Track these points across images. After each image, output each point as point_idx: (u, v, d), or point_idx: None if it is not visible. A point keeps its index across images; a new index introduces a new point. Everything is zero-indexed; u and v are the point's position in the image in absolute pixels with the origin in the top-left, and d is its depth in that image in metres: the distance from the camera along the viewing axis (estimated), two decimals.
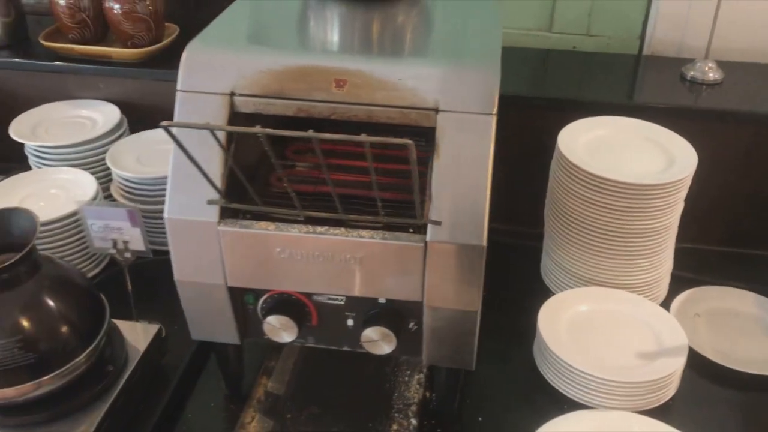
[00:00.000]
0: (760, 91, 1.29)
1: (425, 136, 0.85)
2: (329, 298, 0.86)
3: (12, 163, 1.38)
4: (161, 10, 1.31)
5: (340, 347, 0.90)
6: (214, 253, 0.82)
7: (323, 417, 0.96)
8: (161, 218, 1.17)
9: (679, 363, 0.97)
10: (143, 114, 1.36)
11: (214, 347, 0.97)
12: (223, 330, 0.89)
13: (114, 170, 1.19)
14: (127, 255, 1.01)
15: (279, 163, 0.70)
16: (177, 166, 0.81)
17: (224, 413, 0.99)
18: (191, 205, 0.81)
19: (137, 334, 1.00)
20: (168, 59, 1.34)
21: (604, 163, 1.05)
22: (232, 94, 0.80)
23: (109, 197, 1.21)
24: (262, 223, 0.80)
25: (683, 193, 1.07)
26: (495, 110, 0.77)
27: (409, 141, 0.62)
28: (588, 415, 0.94)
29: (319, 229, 0.80)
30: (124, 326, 1.00)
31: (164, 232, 1.17)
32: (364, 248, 0.79)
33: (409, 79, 0.78)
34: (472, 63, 0.79)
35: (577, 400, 0.97)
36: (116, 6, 1.27)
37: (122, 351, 0.96)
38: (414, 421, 0.96)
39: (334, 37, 0.90)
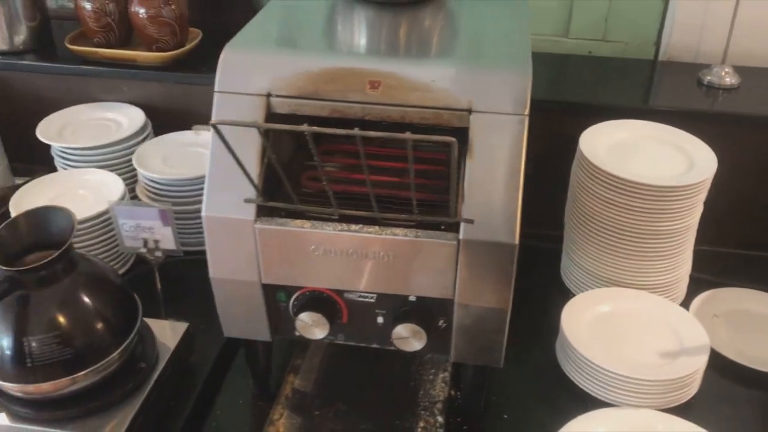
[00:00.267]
0: None
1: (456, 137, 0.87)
2: (360, 296, 0.87)
3: (36, 164, 1.40)
4: (186, 15, 1.33)
5: (370, 344, 0.91)
6: (249, 251, 0.84)
7: (350, 414, 0.98)
8: (187, 218, 1.20)
9: (701, 362, 0.99)
10: (166, 117, 1.38)
11: (244, 345, 0.99)
12: (256, 327, 0.91)
13: (140, 171, 1.20)
14: (158, 254, 1.03)
15: (320, 162, 0.72)
16: (215, 166, 0.83)
17: (253, 410, 1.00)
18: (228, 204, 0.82)
19: (166, 332, 1.02)
20: (191, 63, 1.37)
21: (625, 165, 1.07)
22: (269, 95, 0.82)
23: (134, 198, 1.23)
24: (298, 221, 0.82)
25: (703, 196, 1.09)
26: (527, 111, 0.79)
27: (452, 138, 0.63)
28: (612, 413, 0.95)
29: (353, 227, 0.81)
30: (154, 324, 1.01)
31: (190, 232, 1.20)
32: (397, 246, 0.80)
33: (443, 81, 0.80)
34: (505, 64, 0.81)
35: (600, 398, 0.99)
36: (142, 10, 1.29)
37: (153, 349, 0.97)
38: (440, 419, 0.97)
39: (366, 40, 0.92)
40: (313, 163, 0.95)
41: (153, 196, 1.20)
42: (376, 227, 0.81)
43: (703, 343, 1.01)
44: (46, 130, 1.29)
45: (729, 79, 1.30)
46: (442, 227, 0.82)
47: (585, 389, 1.00)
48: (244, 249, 0.84)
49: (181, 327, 1.03)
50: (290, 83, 0.82)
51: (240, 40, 0.88)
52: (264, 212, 0.83)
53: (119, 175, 1.23)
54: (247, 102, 0.83)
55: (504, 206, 0.78)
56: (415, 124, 0.81)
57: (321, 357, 1.07)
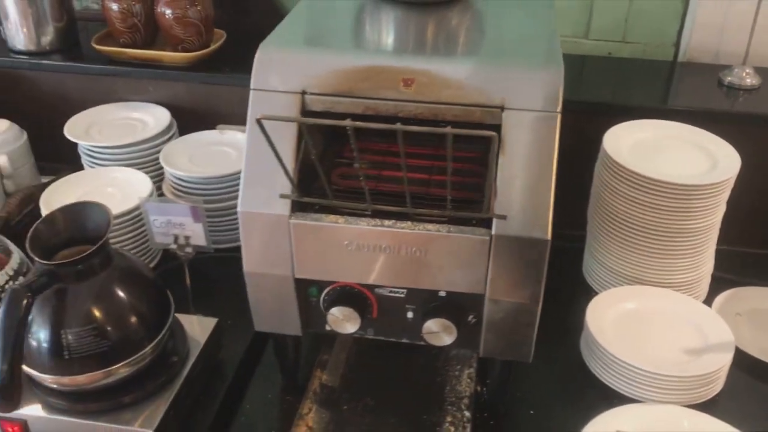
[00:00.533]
0: None
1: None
2: (391, 291, 0.88)
3: (62, 163, 1.42)
4: (211, 16, 1.35)
5: (399, 339, 0.92)
6: (283, 246, 0.85)
7: (378, 409, 0.99)
8: (213, 215, 1.21)
9: (726, 359, 0.99)
10: (191, 116, 1.40)
11: (273, 339, 1.00)
12: (287, 322, 0.92)
13: (167, 169, 1.22)
14: (188, 250, 1.04)
15: (358, 156, 0.73)
16: (250, 162, 0.84)
17: (281, 404, 1.01)
18: (264, 199, 0.84)
19: (196, 327, 1.03)
20: (215, 64, 1.38)
21: (649, 164, 1.08)
22: (304, 92, 0.84)
23: (161, 196, 1.25)
24: (332, 217, 0.83)
25: (726, 194, 1.10)
26: (559, 108, 0.80)
27: (492, 132, 0.64)
28: (638, 409, 0.96)
29: (386, 222, 0.82)
30: (183, 319, 1.03)
31: (216, 229, 1.22)
32: (430, 241, 0.82)
33: (475, 78, 0.81)
34: (537, 62, 0.82)
35: (625, 394, 0.99)
36: (168, 11, 1.31)
37: (184, 343, 0.99)
38: (467, 414, 0.98)
39: (397, 38, 0.93)
40: (343, 161, 0.97)
41: (179, 193, 1.22)
42: (409, 222, 0.82)
43: (728, 340, 1.02)
44: (74, 129, 1.31)
45: (750, 79, 1.31)
46: (474, 222, 0.83)
47: (610, 385, 1.01)
48: (279, 244, 0.85)
49: (211, 322, 1.04)
50: (324, 81, 0.83)
51: (274, 39, 0.89)
52: (298, 207, 0.84)
53: (145, 173, 1.24)
54: (283, 99, 0.84)
55: (536, 202, 0.80)
56: (447, 122, 0.82)
57: (347, 353, 1.08)
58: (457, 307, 0.87)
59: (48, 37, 1.42)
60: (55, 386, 0.90)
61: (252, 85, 0.85)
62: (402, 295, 0.88)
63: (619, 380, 1.00)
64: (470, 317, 0.88)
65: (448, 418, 0.97)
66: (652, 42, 1.46)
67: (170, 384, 0.94)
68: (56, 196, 1.17)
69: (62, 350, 0.85)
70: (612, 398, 1.00)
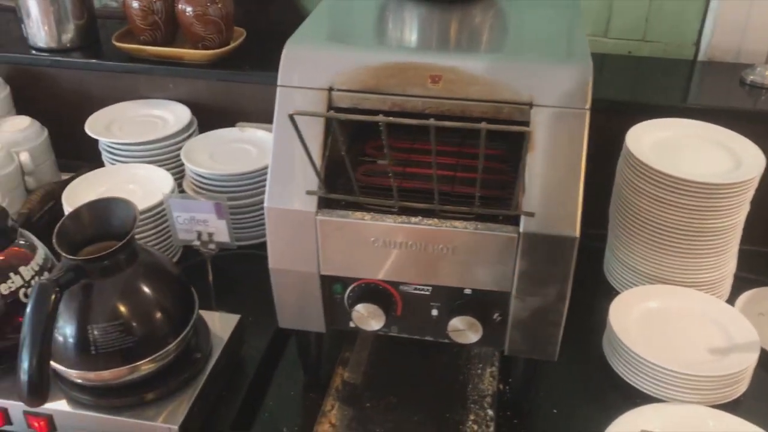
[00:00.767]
0: None
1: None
2: (416, 288, 0.88)
3: (81, 160, 1.42)
4: (231, 13, 1.35)
5: (423, 337, 0.92)
6: (309, 242, 0.85)
7: (401, 407, 0.99)
8: (234, 213, 1.21)
9: (752, 359, 0.99)
10: (211, 113, 1.40)
11: (296, 336, 1.00)
12: (311, 318, 0.92)
13: (189, 166, 1.22)
14: (211, 247, 1.05)
15: (390, 153, 0.73)
16: (277, 158, 0.84)
17: (304, 401, 1.01)
18: (290, 195, 0.84)
19: (218, 324, 1.03)
20: (235, 61, 1.38)
21: (672, 163, 1.07)
22: (331, 89, 0.83)
23: (182, 193, 1.25)
24: (358, 213, 0.83)
25: (750, 194, 1.09)
26: (588, 105, 0.79)
27: (528, 128, 0.64)
28: (663, 408, 0.95)
29: (413, 219, 0.82)
30: (206, 316, 1.03)
31: (237, 226, 1.22)
32: (457, 238, 0.81)
33: (503, 75, 0.81)
34: (566, 59, 0.82)
35: (649, 393, 0.99)
36: (189, 8, 1.31)
37: (207, 340, 0.99)
38: (490, 412, 0.98)
39: (423, 35, 0.93)
40: (366, 158, 0.97)
41: (200, 190, 1.22)
42: (436, 219, 0.82)
43: (753, 340, 1.01)
44: (94, 126, 1.31)
45: None
46: (500, 219, 0.82)
47: (633, 384, 1.01)
48: (305, 240, 0.85)
49: (233, 319, 1.04)
50: (352, 78, 0.83)
51: (300, 36, 0.89)
52: (324, 204, 0.84)
53: (165, 170, 1.24)
54: (309, 96, 0.84)
55: (565, 199, 0.79)
56: (475, 118, 0.81)
57: (369, 350, 1.08)
58: (483, 304, 0.87)
59: (69, 35, 1.42)
60: (79, 381, 0.90)
61: (279, 82, 0.85)
62: (427, 293, 0.88)
63: (642, 380, 0.99)
64: (495, 315, 0.88)
65: (471, 417, 0.97)
66: (673, 41, 1.45)
67: (194, 380, 0.94)
68: (78, 193, 1.17)
69: (89, 345, 0.85)
70: (635, 398, 0.99)
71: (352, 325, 0.92)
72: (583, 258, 1.24)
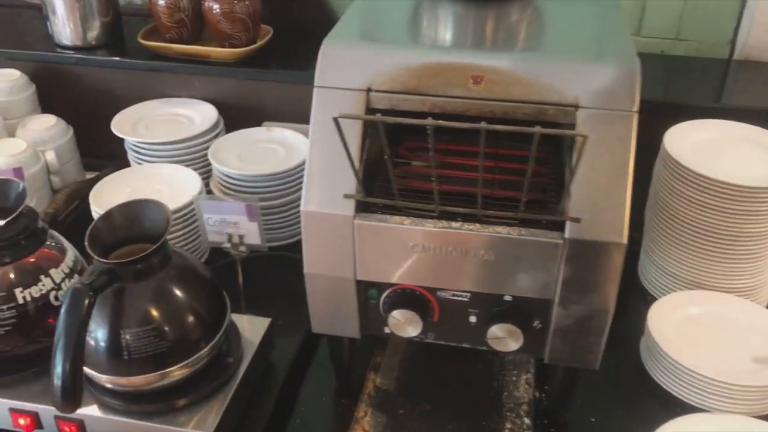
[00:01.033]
0: None
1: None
2: (454, 294, 0.86)
3: (106, 159, 1.41)
4: (258, 11, 1.33)
5: (460, 344, 0.90)
6: (346, 247, 0.83)
7: (436, 414, 0.97)
8: (262, 214, 1.19)
9: None
10: (236, 113, 1.38)
11: (329, 341, 0.98)
12: (345, 324, 0.90)
13: (216, 167, 1.20)
14: (242, 249, 1.03)
15: (435, 157, 0.71)
16: (314, 161, 0.82)
17: (336, 407, 0.99)
18: (327, 199, 0.82)
19: (248, 327, 1.01)
20: (262, 60, 1.36)
21: (712, 165, 1.05)
22: (369, 90, 0.81)
23: (209, 193, 1.23)
24: (397, 218, 0.81)
25: None
26: (636, 107, 0.77)
27: (584, 133, 0.62)
28: (705, 418, 0.93)
29: (454, 224, 0.80)
30: (236, 319, 1.01)
31: (264, 228, 1.20)
32: (500, 244, 0.79)
33: (548, 75, 0.78)
34: (612, 59, 0.79)
35: (690, 402, 0.96)
36: (216, 6, 1.29)
37: (238, 344, 0.97)
38: (527, 420, 0.95)
39: (461, 34, 0.90)
40: (402, 161, 0.95)
41: (228, 191, 1.20)
42: (478, 224, 0.80)
43: None
44: (120, 125, 1.30)
45: None
46: (544, 224, 0.80)
47: (673, 393, 0.98)
48: (341, 245, 0.83)
49: (263, 322, 1.02)
50: (391, 78, 0.81)
51: (336, 35, 0.87)
52: (361, 208, 0.82)
53: (192, 170, 1.23)
54: (347, 97, 0.82)
55: (612, 204, 0.77)
56: (518, 120, 0.79)
57: (401, 356, 1.06)
58: (523, 312, 0.85)
59: (94, 32, 1.41)
60: (110, 386, 0.89)
61: (315, 82, 0.83)
62: (465, 299, 0.86)
63: (683, 388, 0.97)
64: (536, 322, 0.86)
65: (508, 425, 0.95)
66: (707, 40, 1.42)
67: (225, 386, 0.92)
68: (104, 193, 1.16)
69: (121, 351, 0.84)
70: (675, 406, 0.97)
71: (387, 330, 0.90)
72: None
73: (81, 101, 1.45)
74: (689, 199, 1.06)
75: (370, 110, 0.82)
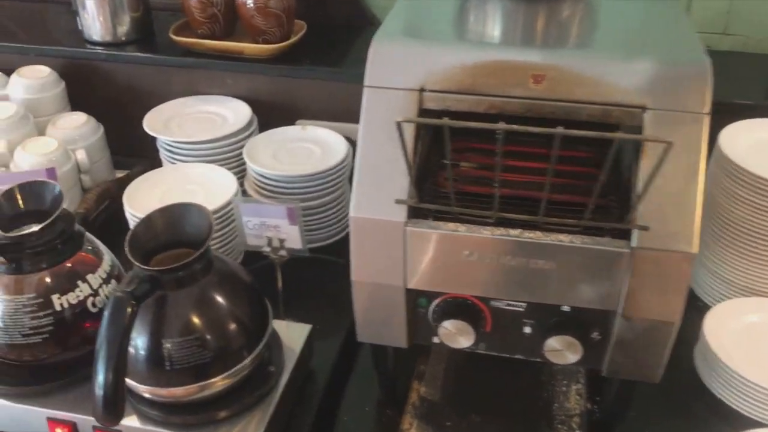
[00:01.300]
0: None
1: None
2: (508, 304, 0.82)
3: (135, 157, 1.38)
4: (293, 6, 1.29)
5: (513, 355, 0.86)
6: (396, 254, 0.79)
7: (485, 426, 0.93)
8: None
9: None
10: (269, 110, 1.34)
11: (372, 350, 0.95)
12: (393, 333, 0.87)
13: (251, 166, 1.17)
14: (282, 253, 0.99)
15: (500, 162, 0.67)
16: (364, 165, 0.78)
17: (380, 417, 0.96)
18: (378, 205, 0.78)
19: (288, 334, 0.98)
20: (296, 56, 1.33)
21: None
22: (422, 89, 0.77)
23: (243, 193, 1.20)
24: (451, 224, 0.77)
25: None
26: (708, 108, 0.73)
27: (670, 140, 0.58)
28: None
29: (513, 231, 0.76)
30: (276, 325, 0.98)
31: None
32: (561, 253, 0.75)
33: (613, 75, 0.74)
34: (682, 58, 0.75)
35: (751, 416, 0.92)
36: (250, 1, 1.26)
37: (280, 351, 0.94)
38: None
39: (519, 32, 0.86)
40: (452, 162, 0.91)
41: (263, 191, 1.17)
42: (538, 232, 0.76)
43: None
44: (153, 123, 1.26)
45: None
46: (607, 232, 0.76)
47: (732, 405, 0.94)
48: (392, 252, 0.79)
49: (304, 328, 0.99)
50: (445, 77, 0.77)
51: (386, 33, 0.83)
52: (412, 214, 0.79)
53: (226, 169, 1.19)
54: (399, 97, 0.78)
55: (681, 212, 0.72)
56: (581, 122, 0.75)
57: (445, 364, 1.03)
58: (582, 323, 0.81)
59: (124, 28, 1.37)
60: (148, 396, 0.86)
61: (366, 82, 0.79)
62: (520, 309, 0.82)
63: (743, 401, 0.92)
64: (595, 334, 0.82)
65: None
66: (755, 35, 1.36)
67: (268, 396, 0.89)
68: (138, 194, 1.13)
69: (163, 361, 0.81)
70: (733, 419, 0.93)
71: (436, 340, 0.86)
72: None
73: (110, 98, 1.42)
74: (746, 201, 1.01)
75: (422, 111, 0.78)
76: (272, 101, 1.35)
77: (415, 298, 0.84)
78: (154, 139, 1.28)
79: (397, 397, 0.98)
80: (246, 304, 0.87)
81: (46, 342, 0.87)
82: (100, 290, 0.90)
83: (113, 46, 1.38)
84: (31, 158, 1.19)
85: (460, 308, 0.83)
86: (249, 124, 1.27)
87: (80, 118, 1.30)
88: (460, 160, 0.92)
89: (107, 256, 0.94)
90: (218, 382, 0.84)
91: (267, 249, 0.99)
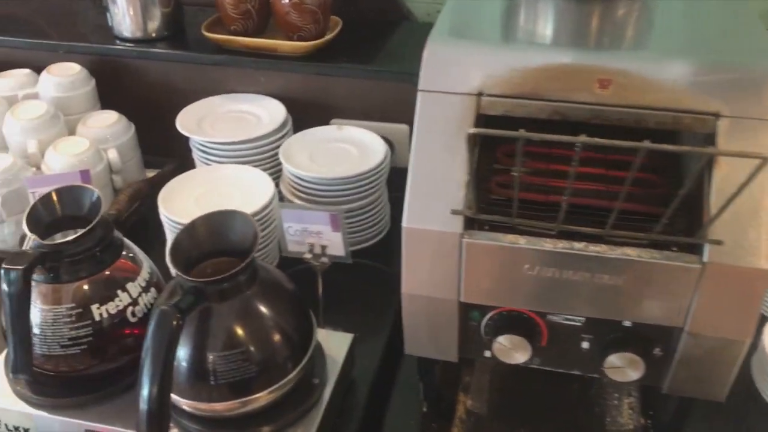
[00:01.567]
0: None
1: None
2: (566, 318, 0.79)
3: (164, 156, 1.36)
4: (329, 2, 1.25)
5: (570, 370, 0.83)
6: (451, 267, 0.76)
7: None
8: None
9: None
10: (302, 109, 1.31)
11: (419, 362, 0.91)
12: (443, 347, 0.83)
13: (289, 168, 1.14)
14: (324, 260, 0.96)
15: (573, 171, 0.63)
16: (418, 172, 0.75)
17: (425, 431, 0.93)
18: (432, 215, 0.74)
19: (330, 344, 0.95)
20: (331, 53, 1.29)
21: None
22: (480, 94, 0.74)
23: (279, 195, 1.17)
24: (511, 236, 0.74)
25: None
26: None
27: (766, 155, 0.54)
28: None
29: (577, 245, 0.72)
30: (318, 335, 0.95)
31: None
32: (628, 267, 0.71)
33: (684, 80, 0.70)
34: (759, 62, 0.70)
35: None
36: None
37: (323, 363, 0.91)
38: None
39: (582, 34, 0.82)
40: (501, 167, 0.87)
41: (300, 194, 1.14)
42: (603, 245, 0.72)
43: None
44: (185, 122, 1.23)
45: None
46: (674, 248, 0.72)
47: None
48: (446, 264, 0.76)
49: (346, 338, 0.96)
50: (505, 81, 0.73)
51: (440, 35, 0.79)
52: (468, 225, 0.75)
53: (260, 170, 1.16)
54: (455, 102, 0.74)
55: (757, 226, 0.68)
56: (649, 129, 0.71)
57: (489, 375, 0.99)
58: (643, 338, 0.77)
59: (155, 23, 1.34)
60: (188, 409, 0.83)
61: (420, 86, 0.76)
62: (579, 324, 0.79)
63: None
64: (656, 350, 0.78)
65: None
66: None
67: (312, 410, 0.86)
68: (173, 196, 1.10)
69: (207, 375, 0.78)
70: None
71: (487, 354, 0.83)
72: None
73: (139, 96, 1.39)
74: None
75: (480, 116, 0.74)
76: (305, 100, 1.31)
77: (467, 312, 0.81)
78: (184, 137, 1.25)
79: (443, 409, 0.95)
80: (291, 315, 0.84)
81: (85, 353, 0.85)
82: (140, 299, 0.87)
83: (143, 42, 1.35)
84: (62, 159, 1.16)
85: (515, 322, 0.80)
86: (284, 124, 1.24)
87: (111, 116, 1.27)
88: (512, 164, 0.88)
89: (146, 263, 0.91)
90: (262, 398, 0.81)
91: (308, 256, 0.96)
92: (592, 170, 0.83)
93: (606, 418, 0.93)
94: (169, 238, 1.11)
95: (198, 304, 0.76)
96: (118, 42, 1.36)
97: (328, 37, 1.27)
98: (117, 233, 0.89)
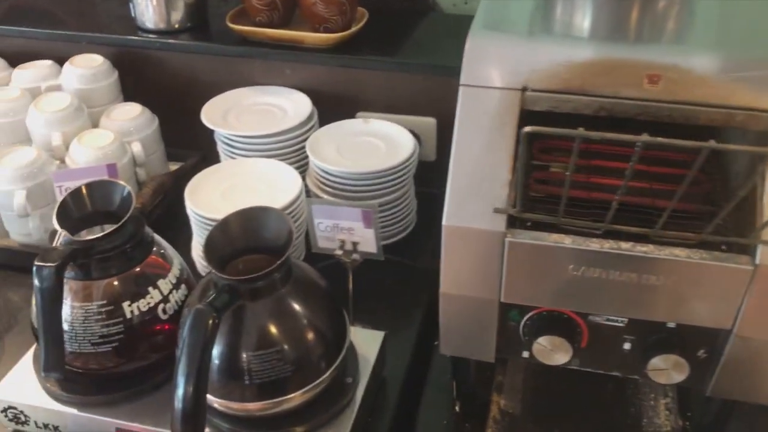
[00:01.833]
0: None
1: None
2: (608, 319, 0.77)
3: (187, 149, 1.34)
4: None
5: (609, 372, 0.81)
6: (492, 266, 0.74)
7: None
8: None
9: None
10: (328, 102, 1.29)
11: (453, 362, 0.90)
12: (480, 347, 0.82)
13: (316, 162, 1.12)
14: (355, 257, 0.95)
15: (631, 170, 0.61)
16: (459, 169, 0.73)
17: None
18: (473, 213, 0.72)
19: (361, 342, 0.93)
20: (357, 46, 1.27)
21: None
22: (524, 89, 0.72)
23: (305, 189, 1.15)
24: (556, 236, 0.72)
25: None
26: None
27: None
28: None
29: (624, 245, 0.70)
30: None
31: None
32: (677, 268, 0.69)
33: (739, 75, 0.68)
34: None
35: None
36: None
37: (355, 361, 0.90)
38: None
39: (629, 26, 0.79)
40: (540, 164, 0.85)
41: (327, 188, 1.12)
42: (651, 246, 0.70)
43: None
44: (210, 115, 1.21)
45: None
46: (723, 247, 0.70)
47: None
48: (487, 263, 0.74)
49: (377, 336, 0.95)
50: (551, 75, 0.71)
51: (482, 27, 0.77)
52: (510, 223, 0.73)
53: (287, 164, 1.15)
54: (498, 97, 0.72)
55: None
56: (700, 126, 0.69)
57: (524, 375, 0.98)
58: (687, 340, 0.75)
59: (178, 14, 1.32)
60: (219, 408, 0.82)
61: (462, 80, 0.74)
62: (621, 325, 0.77)
63: None
64: (701, 352, 0.76)
65: None
66: None
67: (346, 409, 0.85)
68: (200, 190, 1.08)
69: (242, 375, 0.76)
70: None
71: (525, 355, 0.81)
72: None
73: (162, 88, 1.37)
74: None
75: (524, 112, 0.72)
76: (331, 92, 1.29)
77: (506, 312, 0.79)
78: (206, 130, 1.23)
79: (475, 409, 0.93)
80: (325, 313, 0.83)
81: (116, 350, 0.83)
82: (171, 296, 0.86)
83: (166, 33, 1.33)
84: (87, 151, 1.15)
85: (555, 322, 0.78)
86: (310, 117, 1.22)
87: (135, 109, 1.25)
88: (549, 160, 0.87)
89: (176, 260, 0.90)
90: (296, 398, 0.79)
91: (339, 252, 0.95)
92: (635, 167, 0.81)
93: (643, 419, 0.91)
94: (195, 232, 1.09)
95: (233, 302, 0.75)
96: (140, 33, 1.34)
97: (354, 28, 1.25)
98: (148, 229, 0.88)
